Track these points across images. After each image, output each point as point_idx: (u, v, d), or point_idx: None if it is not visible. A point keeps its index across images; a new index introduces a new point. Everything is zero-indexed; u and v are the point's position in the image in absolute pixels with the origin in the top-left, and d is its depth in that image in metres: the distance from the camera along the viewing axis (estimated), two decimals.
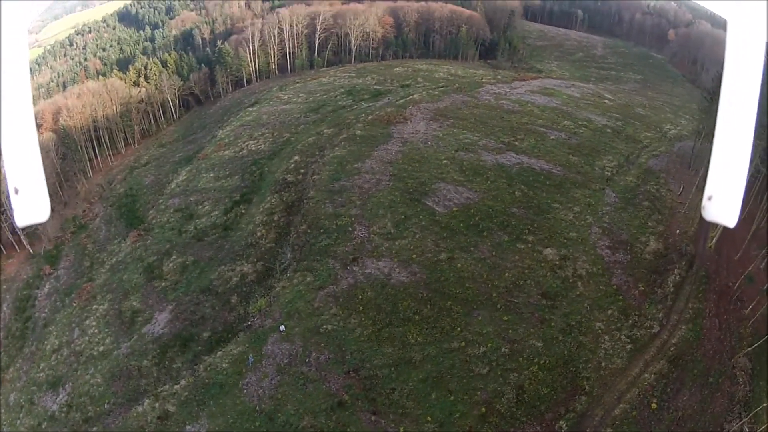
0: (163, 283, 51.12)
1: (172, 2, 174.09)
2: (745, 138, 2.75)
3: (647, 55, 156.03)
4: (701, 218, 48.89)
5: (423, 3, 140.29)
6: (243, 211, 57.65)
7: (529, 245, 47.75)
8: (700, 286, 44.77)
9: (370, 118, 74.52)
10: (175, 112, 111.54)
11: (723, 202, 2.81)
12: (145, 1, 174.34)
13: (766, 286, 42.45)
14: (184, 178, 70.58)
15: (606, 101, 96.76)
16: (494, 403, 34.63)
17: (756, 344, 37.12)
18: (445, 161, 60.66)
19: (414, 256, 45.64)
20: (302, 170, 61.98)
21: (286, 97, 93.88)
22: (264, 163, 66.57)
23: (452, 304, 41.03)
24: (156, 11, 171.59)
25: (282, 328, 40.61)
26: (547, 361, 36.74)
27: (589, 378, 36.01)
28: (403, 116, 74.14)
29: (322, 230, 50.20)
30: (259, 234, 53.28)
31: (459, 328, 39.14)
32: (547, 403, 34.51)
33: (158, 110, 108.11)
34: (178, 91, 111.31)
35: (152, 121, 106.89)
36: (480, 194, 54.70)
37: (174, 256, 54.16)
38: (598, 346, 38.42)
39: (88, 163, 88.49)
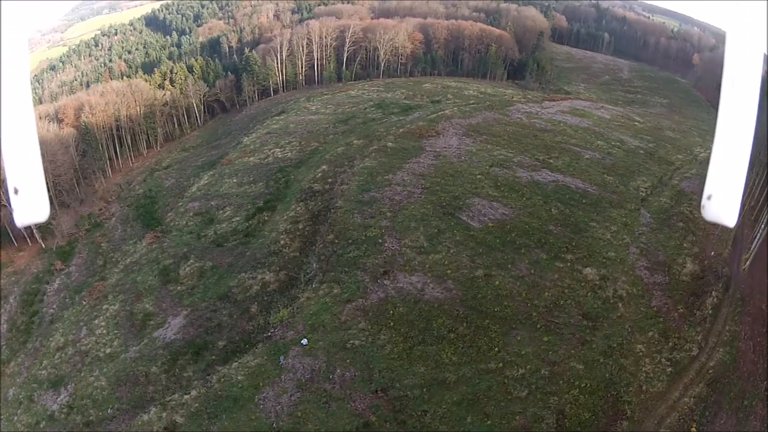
0: (179, 287, 50.51)
1: (201, 10, 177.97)
2: (745, 138, 2.75)
3: (672, 80, 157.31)
4: (735, 240, 49.82)
5: (453, 21, 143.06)
6: (266, 219, 57.29)
7: (568, 264, 47.31)
8: (737, 308, 44.82)
9: (401, 131, 74.51)
10: (200, 117, 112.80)
11: (723, 201, 2.83)
12: (174, 7, 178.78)
13: None
14: (206, 182, 70.58)
15: (636, 123, 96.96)
16: (533, 428, 33.73)
17: None
18: (479, 176, 60.50)
19: (449, 271, 45.10)
20: (330, 179, 61.79)
21: (314, 108, 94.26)
22: (290, 171, 66.41)
23: (490, 322, 40.33)
24: (184, 18, 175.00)
25: (304, 341, 39.36)
26: (588, 385, 36.01)
27: (630, 402, 35.33)
28: (435, 130, 74.18)
29: (350, 241, 49.61)
30: (282, 242, 52.80)
31: (497, 348, 38.38)
32: (588, 428, 33.65)
33: (182, 114, 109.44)
34: (203, 96, 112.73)
35: (176, 125, 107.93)
36: (516, 210, 54.45)
37: (191, 261, 53.73)
38: (639, 369, 37.85)
39: (108, 162, 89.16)
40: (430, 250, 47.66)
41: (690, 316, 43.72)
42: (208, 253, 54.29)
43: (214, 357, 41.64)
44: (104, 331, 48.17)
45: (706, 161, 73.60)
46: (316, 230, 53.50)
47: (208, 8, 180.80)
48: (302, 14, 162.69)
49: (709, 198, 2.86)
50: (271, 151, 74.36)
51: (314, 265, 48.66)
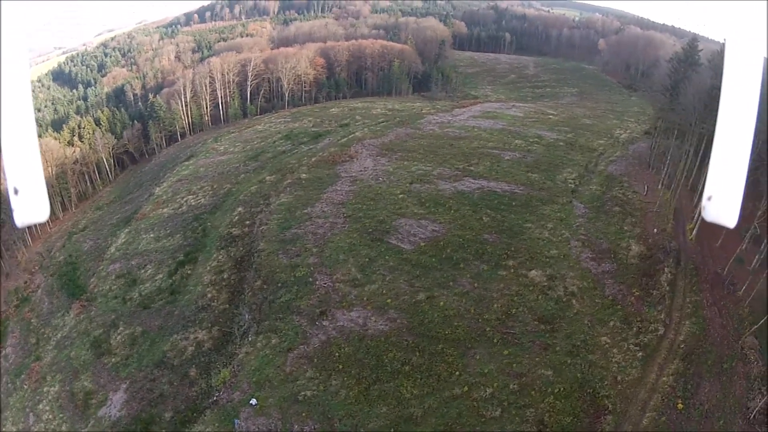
0: (114, 359, 48.27)
1: (104, 59, 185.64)
2: (745, 138, 2.85)
3: (579, 68, 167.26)
4: (676, 213, 52.56)
5: (353, 41, 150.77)
6: (189, 272, 55.78)
7: (512, 270, 47.90)
8: (692, 278, 47.26)
9: (313, 160, 75.57)
10: (111, 171, 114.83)
11: (723, 202, 2.93)
12: (78, 59, 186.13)
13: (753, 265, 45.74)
14: (123, 241, 69.13)
15: (551, 116, 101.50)
16: None
17: (761, 321, 39.33)
18: (401, 195, 61.15)
19: (389, 300, 44.59)
20: (248, 222, 61.08)
21: (222, 148, 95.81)
22: (206, 218, 65.60)
23: (444, 347, 39.85)
24: (88, 69, 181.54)
25: (253, 401, 38.04)
26: (562, 389, 36.09)
27: (608, 396, 35.75)
28: (348, 155, 75.38)
29: (279, 284, 48.58)
30: (209, 296, 51.34)
31: (457, 372, 37.88)
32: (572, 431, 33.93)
33: (93, 171, 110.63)
34: (112, 149, 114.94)
35: (88, 183, 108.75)
36: (446, 225, 54.95)
37: (121, 328, 51.56)
38: (609, 361, 38.50)
39: (26, 230, 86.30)
40: (364, 282, 47.16)
41: (647, 297, 45.30)
42: (136, 317, 52.33)
43: (164, 431, 39.91)
44: (50, 416, 45.65)
45: (628, 141, 78.57)
46: (242, 278, 52.34)
47: (111, 56, 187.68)
48: (203, 52, 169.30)
49: (709, 199, 2.94)
50: (184, 199, 73.65)
51: (246, 316, 47.33)
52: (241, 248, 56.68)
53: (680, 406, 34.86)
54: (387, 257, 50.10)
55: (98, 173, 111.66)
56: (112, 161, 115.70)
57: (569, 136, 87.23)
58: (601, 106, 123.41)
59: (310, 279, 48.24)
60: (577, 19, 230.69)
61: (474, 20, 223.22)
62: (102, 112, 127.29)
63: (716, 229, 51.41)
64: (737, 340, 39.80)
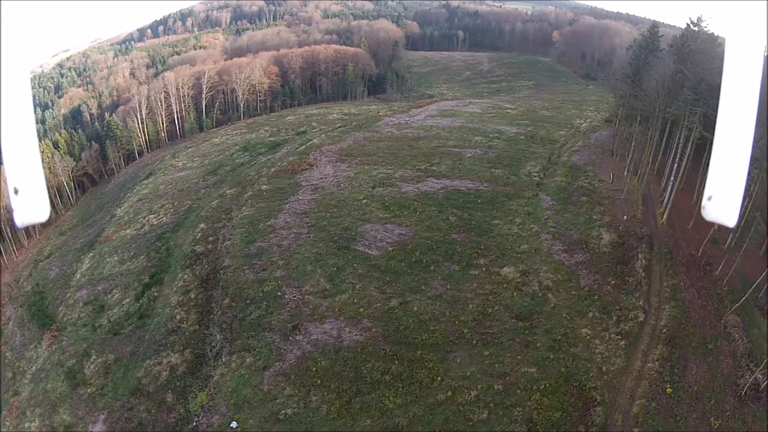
0: (89, 390, 46.65)
1: (60, 80, 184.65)
2: (745, 138, 2.89)
3: (534, 61, 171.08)
4: (644, 199, 53.56)
5: (307, 48, 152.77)
6: (156, 294, 54.34)
7: (484, 269, 47.78)
8: (667, 262, 47.99)
9: (272, 170, 74.77)
10: (72, 195, 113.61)
11: (723, 202, 2.98)
12: (35, 81, 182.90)
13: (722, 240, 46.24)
14: (88, 266, 67.32)
15: (509, 111, 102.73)
16: None
17: (743, 298, 40.39)
18: (364, 201, 60.69)
19: (361, 309, 43.90)
20: (211, 238, 59.77)
21: (180, 164, 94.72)
22: (169, 237, 64.15)
23: (422, 353, 39.37)
24: (45, 90, 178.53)
25: (234, 424, 37.14)
26: (548, 385, 36.04)
27: (596, 387, 35.89)
28: (308, 163, 74.83)
29: (248, 301, 47.58)
30: (178, 317, 49.91)
31: (439, 378, 37.44)
32: (563, 426, 33.67)
33: (55, 195, 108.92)
34: (72, 172, 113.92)
35: (51, 208, 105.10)
36: (412, 228, 54.63)
37: (93, 356, 49.89)
38: (592, 353, 38.68)
39: None
40: (334, 292, 46.41)
41: (623, 284, 45.78)
42: (108, 344, 50.79)
43: None
44: None
45: (589, 130, 79.90)
46: (209, 296, 51.09)
47: (67, 77, 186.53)
48: (157, 68, 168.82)
49: (709, 199, 2.99)
50: (146, 219, 72.35)
51: (218, 336, 46.14)
52: (206, 266, 55.52)
53: (669, 390, 35.22)
54: (355, 265, 49.44)
55: (59, 197, 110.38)
56: (73, 184, 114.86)
57: (529, 129, 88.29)
58: (558, 97, 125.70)
59: (279, 293, 47.37)
60: (530, 12, 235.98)
61: (426, 20, 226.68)
62: (60, 135, 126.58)
63: (686, 211, 52.77)
64: (719, 320, 40.43)
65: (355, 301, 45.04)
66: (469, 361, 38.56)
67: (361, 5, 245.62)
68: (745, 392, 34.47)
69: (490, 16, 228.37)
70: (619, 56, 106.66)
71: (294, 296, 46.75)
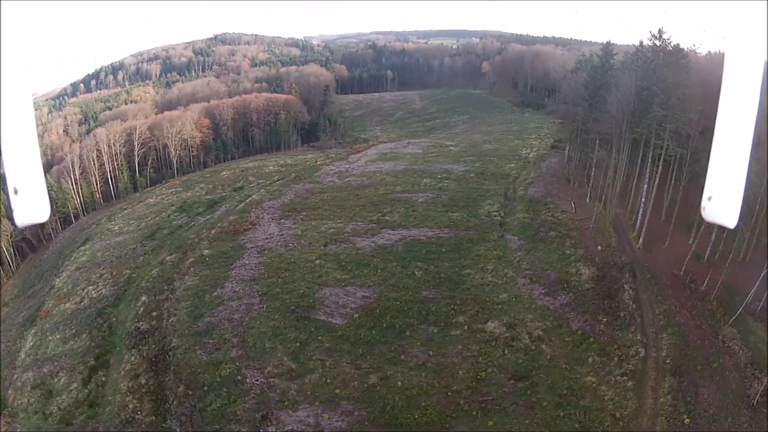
0: None
1: None
2: (745, 138, 2.95)
3: (466, 94, 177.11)
4: (615, 226, 53.68)
5: (237, 97, 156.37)
6: (104, 379, 49.82)
7: (465, 327, 45.83)
8: (654, 288, 48.69)
9: (213, 232, 71.94)
10: (12, 261, 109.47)
11: (723, 202, 3.03)
12: None
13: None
14: (31, 344, 62.09)
15: (451, 148, 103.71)
16: None
17: (737, 311, 42.09)
18: (317, 261, 57.98)
19: (337, 390, 40.62)
20: (155, 313, 55.75)
21: (116, 228, 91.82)
22: (110, 312, 59.90)
23: None
24: None
25: None
26: None
27: None
28: (250, 222, 72.28)
29: (205, 388, 43.50)
30: (131, 407, 45.36)
31: None
32: None
33: None
34: (10, 237, 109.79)
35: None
36: (376, 288, 52.23)
37: None
38: (602, 401, 37.92)
39: None
40: (302, 372, 43.00)
41: (616, 321, 45.31)
42: None
43: None
44: None
45: (538, 159, 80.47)
46: (161, 382, 46.86)
47: None
48: (89, 124, 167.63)
49: (709, 199, 3.06)
50: (85, 291, 67.98)
51: (178, 429, 41.99)
52: (153, 345, 51.53)
53: (686, 420, 35.85)
54: (320, 338, 46.29)
55: (0, 265, 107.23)
56: (12, 250, 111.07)
57: (477, 165, 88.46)
58: (497, 129, 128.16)
59: (239, 377, 43.60)
60: (455, 46, 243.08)
61: (354, 61, 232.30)
62: None
63: (659, 231, 53.60)
64: (716, 336, 41.81)
65: (328, 380, 41.76)
66: None
67: (288, 51, 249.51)
68: (757, 401, 35.85)
69: (417, 53, 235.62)
70: (558, 80, 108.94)
71: (257, 380, 43.12)
